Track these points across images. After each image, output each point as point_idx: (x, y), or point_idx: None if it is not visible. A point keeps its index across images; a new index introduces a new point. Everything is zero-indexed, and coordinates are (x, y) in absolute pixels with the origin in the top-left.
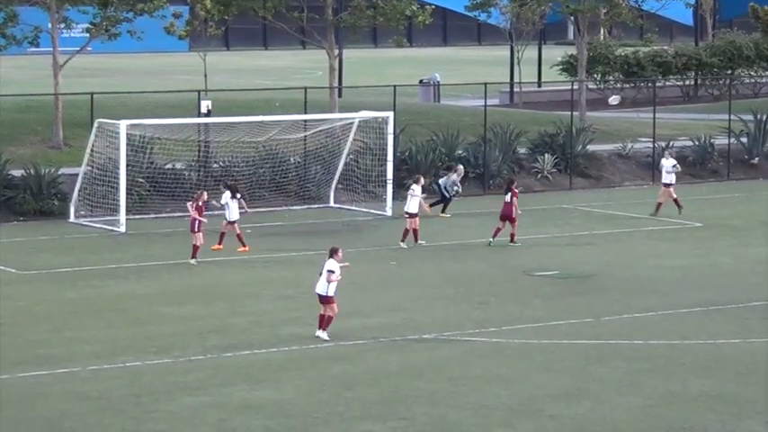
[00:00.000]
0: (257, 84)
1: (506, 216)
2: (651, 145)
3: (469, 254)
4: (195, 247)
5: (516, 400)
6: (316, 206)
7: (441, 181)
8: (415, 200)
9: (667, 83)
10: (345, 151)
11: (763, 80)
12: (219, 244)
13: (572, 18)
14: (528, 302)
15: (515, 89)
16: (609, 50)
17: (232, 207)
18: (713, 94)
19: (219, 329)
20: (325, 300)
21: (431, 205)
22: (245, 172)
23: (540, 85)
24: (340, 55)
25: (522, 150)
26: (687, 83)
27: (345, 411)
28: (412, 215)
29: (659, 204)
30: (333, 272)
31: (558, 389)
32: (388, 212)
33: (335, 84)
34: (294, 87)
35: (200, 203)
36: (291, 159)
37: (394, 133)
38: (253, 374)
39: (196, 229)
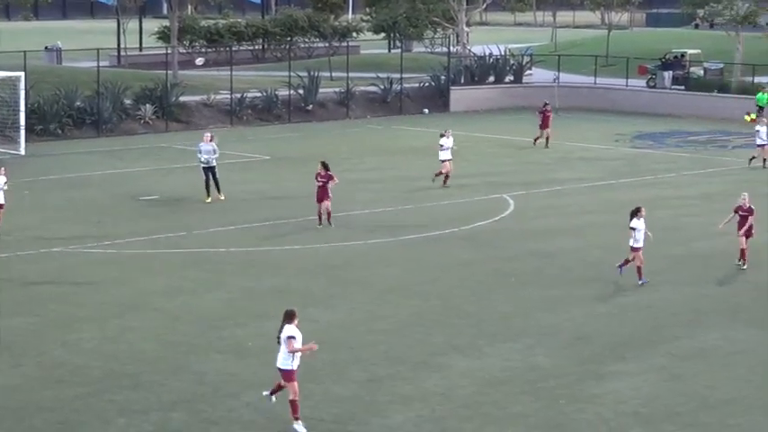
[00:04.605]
0: None
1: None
2: (229, 96)
3: (87, 184)
4: None
5: (127, 298)
6: None
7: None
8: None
9: (241, 47)
10: None
11: (315, 45)
12: None
13: None
14: (135, 221)
15: (122, 53)
16: (195, 22)
17: None
18: (277, 56)
19: None
20: (285, 376)
21: None
22: None
23: (141, 50)
24: None
25: (128, 101)
26: (257, 47)
27: None
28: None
29: None
30: (293, 338)
31: (160, 287)
32: (22, 152)
33: None
34: None
35: None
36: None
37: (25, 89)
38: None
39: None
